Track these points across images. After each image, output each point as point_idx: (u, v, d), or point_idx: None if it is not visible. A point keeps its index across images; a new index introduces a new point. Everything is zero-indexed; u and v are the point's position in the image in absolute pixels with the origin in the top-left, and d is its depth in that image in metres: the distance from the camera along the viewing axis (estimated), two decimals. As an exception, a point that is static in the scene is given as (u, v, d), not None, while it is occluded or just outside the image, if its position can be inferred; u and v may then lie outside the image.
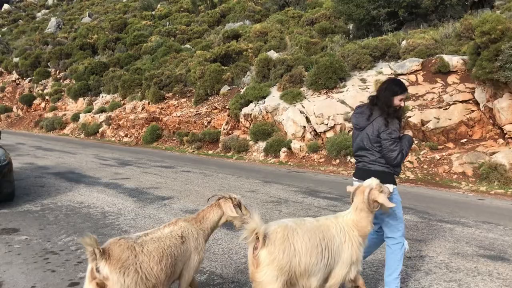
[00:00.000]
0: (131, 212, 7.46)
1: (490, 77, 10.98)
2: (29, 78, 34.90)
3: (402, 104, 3.98)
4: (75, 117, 26.21)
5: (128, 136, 21.68)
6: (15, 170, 8.60)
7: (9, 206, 7.93)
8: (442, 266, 4.90)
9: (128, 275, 2.98)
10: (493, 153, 10.67)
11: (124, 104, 24.14)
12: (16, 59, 37.47)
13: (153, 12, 39.24)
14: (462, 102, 12.43)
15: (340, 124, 13.89)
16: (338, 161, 12.73)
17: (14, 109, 33.35)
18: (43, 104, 31.25)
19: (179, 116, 19.78)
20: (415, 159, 11.55)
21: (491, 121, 11.77)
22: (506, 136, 11.13)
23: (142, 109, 22.35)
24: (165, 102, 21.72)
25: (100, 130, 23.39)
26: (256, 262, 3.19)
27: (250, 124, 16.34)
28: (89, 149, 17.82)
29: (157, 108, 21.45)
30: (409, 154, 11.89)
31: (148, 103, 22.19)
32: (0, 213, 7.40)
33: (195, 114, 19.31)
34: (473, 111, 12.15)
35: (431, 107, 12.71)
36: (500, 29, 11.28)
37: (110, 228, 6.56)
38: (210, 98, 19.97)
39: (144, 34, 31.69)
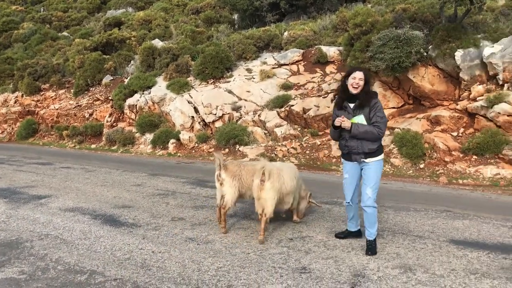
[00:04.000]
0: (2, 215, 6.80)
1: (362, 67, 11.81)
2: None
3: (354, 82, 4.81)
4: None
5: (0, 132, 19.77)
6: None
7: None
8: (321, 244, 5.19)
9: (235, 180, 5.59)
10: (367, 137, 11.54)
11: (-7, 96, 21.93)
12: None
13: (25, -4, 36.07)
14: (339, 90, 13.23)
15: (228, 113, 14.04)
16: (227, 150, 12.86)
17: None
18: None
19: (57, 109, 18.49)
20: (298, 145, 12.08)
21: (364, 107, 12.69)
22: (378, 121, 12.10)
23: (15, 102, 20.50)
24: (42, 94, 20.16)
25: (-34, 126, 21.03)
26: (262, 187, 5.28)
27: (135, 116, 15.82)
28: (-48, 147, 15.95)
29: (33, 100, 19.82)
30: (292, 141, 12.43)
31: (22, 95, 20.41)
32: None
33: (75, 106, 18.19)
34: (349, 98, 13.01)
35: (311, 95, 13.36)
36: (370, 22, 12.19)
37: (-24, 233, 5.92)
38: (91, 89, 18.93)
39: (14, 20, 29.00)
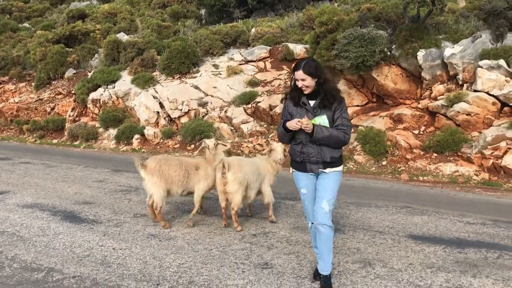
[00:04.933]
0: (-45, 212, 6.54)
1: (328, 65, 11.93)
2: None
3: (299, 84, 3.91)
4: None
5: (-45, 125, 18.98)
6: None
7: None
8: (283, 240, 5.23)
9: (155, 176, 5.58)
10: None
11: None
12: None
13: (-17, -15, 34.70)
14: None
15: (195, 109, 13.93)
16: (193, 146, 12.76)
17: None
18: None
19: (17, 102, 17.90)
20: (265, 142, 12.12)
21: (330, 105, 12.83)
22: (342, 118, 12.25)
23: (-28, 94, 19.71)
24: (0, 86, 19.45)
25: None
26: (224, 181, 5.37)
27: (99, 110, 15.49)
28: None
29: (-9, 93, 19.12)
30: (258, 137, 12.45)
31: (-21, 88, 19.64)
32: None
33: (36, 100, 17.66)
34: (314, 96, 13.12)
35: (278, 92, 13.42)
36: (336, 20, 12.33)
37: None
38: (53, 82, 18.42)
39: (-28, 10, 27.88)
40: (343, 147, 4.10)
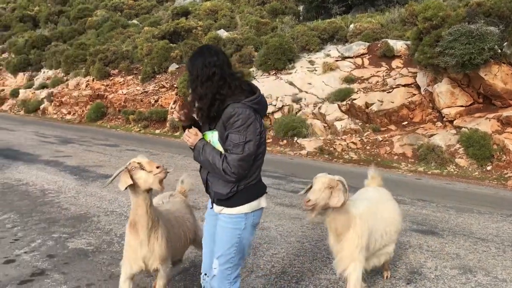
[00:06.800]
0: (72, 190, 7.26)
1: (430, 62, 11.41)
2: (-37, 50, 32.72)
3: None
4: (14, 93, 24.94)
5: (71, 113, 20.93)
6: None
7: None
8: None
9: None
10: (432, 135, 11.16)
11: (67, 80, 23.20)
12: None
13: (99, -15, 37.70)
14: (404, 86, 12.87)
15: (288, 105, 14.04)
16: (285, 141, 12.89)
17: None
18: (-22, 78, 29.48)
19: (125, 94, 19.28)
20: (359, 140, 11.89)
21: (430, 104, 12.28)
22: (444, 119, 11.66)
23: (86, 85, 21.58)
24: (111, 79, 21.06)
25: (42, 107, 22.42)
26: None
27: (198, 103, 16.16)
28: (29, 126, 17.07)
29: (102, 85, 20.76)
30: (352, 135, 12.24)
31: (93, 80, 21.43)
32: None
33: (142, 92, 18.88)
34: (414, 94, 12.62)
35: (375, 90, 13.08)
36: (441, 16, 11.72)
37: (50, 206, 6.37)
38: (157, 76, 19.55)
39: (89, 8, 30.45)
40: (245, 181, 2.73)
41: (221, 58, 2.70)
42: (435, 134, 11.14)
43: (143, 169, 2.98)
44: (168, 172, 3.04)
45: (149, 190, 3.05)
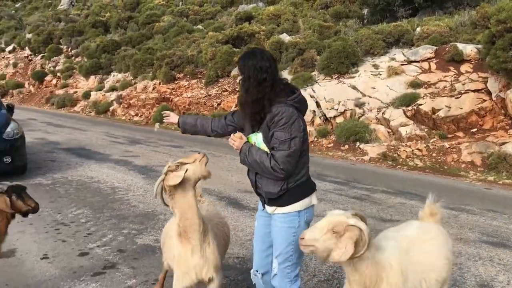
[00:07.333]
0: (140, 189, 7.58)
1: (504, 67, 10.87)
2: (41, 55, 35.02)
3: None
4: (86, 95, 26.34)
5: (139, 115, 21.80)
6: (27, 145, 8.74)
7: (21, 178, 8.08)
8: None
9: None
10: (503, 143, 10.61)
11: (135, 83, 24.22)
12: (29, 35, 37.59)
13: (166, -8, 39.06)
14: (474, 91, 12.33)
15: (351, 109, 13.86)
16: (347, 146, 12.74)
17: (26, 85, 33.55)
18: (54, 81, 31.40)
19: (189, 97, 19.83)
20: (424, 147, 11.52)
21: (502, 111, 11.68)
22: (517, 126, 11.06)
23: (153, 89, 22.41)
24: (176, 82, 21.75)
25: (111, 108, 23.52)
26: None
27: (260, 107, 16.32)
28: (100, 126, 17.98)
29: (168, 88, 21.49)
30: (418, 141, 11.87)
31: (159, 83, 22.24)
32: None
33: (205, 96, 19.35)
34: (484, 100, 12.06)
35: (442, 95, 12.63)
36: (516, 18, 11.13)
37: (120, 203, 6.69)
38: (220, 80, 19.96)
39: (156, 14, 31.59)
40: (294, 179, 2.83)
41: (273, 64, 2.85)
42: (507, 142, 10.57)
43: (185, 164, 3.00)
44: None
45: (195, 184, 3.03)
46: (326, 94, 14.54)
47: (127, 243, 5.09)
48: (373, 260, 2.50)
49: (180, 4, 34.49)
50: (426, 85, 13.38)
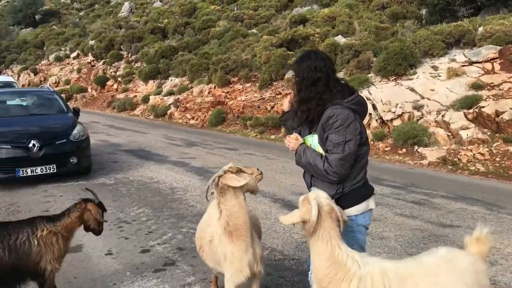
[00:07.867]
0: (197, 189, 7.78)
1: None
2: (103, 60, 36.63)
3: None
4: (145, 99, 27.27)
5: (195, 118, 22.30)
6: (91, 146, 9.20)
7: (86, 178, 8.53)
8: (509, 258, 4.75)
9: None
10: None
11: (191, 87, 24.80)
12: (91, 42, 39.43)
13: (222, -3, 39.76)
14: (542, 92, 11.69)
15: (409, 112, 13.51)
16: (404, 150, 12.43)
17: (89, 90, 35.19)
18: (115, 86, 32.74)
19: (243, 101, 20.07)
20: (487, 151, 11.04)
21: None
22: None
23: (209, 92, 22.86)
24: (231, 86, 22.07)
25: (169, 112, 24.21)
26: None
27: (314, 110, 16.25)
28: (158, 129, 18.58)
29: (223, 92, 21.85)
30: (480, 145, 11.39)
31: (214, 87, 22.65)
32: (79, 184, 7.98)
33: (259, 99, 19.50)
34: (554, 102, 11.40)
35: (507, 97, 12.05)
36: None
37: (178, 202, 6.90)
38: (274, 83, 20.05)
39: (212, 19, 32.22)
40: (350, 183, 2.80)
41: (328, 64, 2.82)
42: None
43: (244, 172, 3.21)
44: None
45: (244, 192, 3.25)
46: (383, 97, 14.26)
47: (186, 242, 5.25)
48: (332, 258, 2.48)
49: (236, 9, 35.00)
50: (489, 87, 12.83)
